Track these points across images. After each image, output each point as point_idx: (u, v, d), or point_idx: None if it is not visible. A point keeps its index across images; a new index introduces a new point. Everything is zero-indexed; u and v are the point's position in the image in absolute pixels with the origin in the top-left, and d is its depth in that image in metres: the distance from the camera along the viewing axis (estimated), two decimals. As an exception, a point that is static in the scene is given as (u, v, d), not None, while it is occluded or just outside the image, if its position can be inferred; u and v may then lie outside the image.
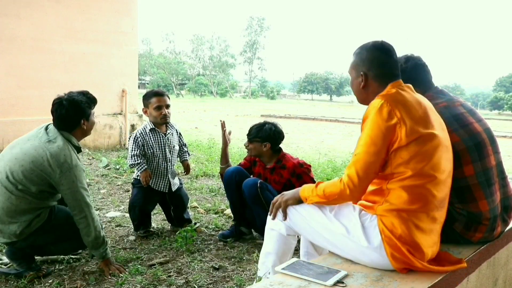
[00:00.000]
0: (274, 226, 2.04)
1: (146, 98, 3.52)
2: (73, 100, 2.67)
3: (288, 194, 2.00)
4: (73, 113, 2.65)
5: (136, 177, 3.54)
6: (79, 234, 2.64)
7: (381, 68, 1.85)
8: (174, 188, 3.61)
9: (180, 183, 3.74)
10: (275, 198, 2.03)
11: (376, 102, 1.75)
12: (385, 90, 1.81)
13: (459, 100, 2.19)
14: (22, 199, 2.52)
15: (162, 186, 3.56)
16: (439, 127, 1.82)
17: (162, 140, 3.55)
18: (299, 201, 1.95)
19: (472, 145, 2.00)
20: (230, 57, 62.90)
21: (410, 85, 1.88)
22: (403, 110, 1.72)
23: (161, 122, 3.50)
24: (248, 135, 3.32)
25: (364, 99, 1.91)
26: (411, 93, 1.83)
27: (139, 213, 3.48)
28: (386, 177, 1.75)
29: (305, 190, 1.93)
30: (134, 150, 3.47)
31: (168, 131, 3.59)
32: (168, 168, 3.58)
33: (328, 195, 1.82)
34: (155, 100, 3.46)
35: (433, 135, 1.75)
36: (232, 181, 3.32)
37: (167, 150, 3.57)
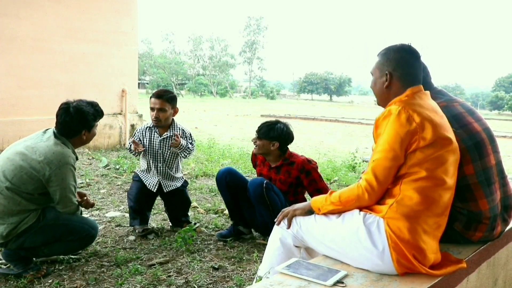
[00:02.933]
0: (280, 235, 2.05)
1: (150, 96, 3.59)
2: (80, 110, 2.68)
3: (298, 205, 2.04)
4: (76, 122, 2.67)
5: (135, 171, 3.65)
6: (69, 236, 2.67)
7: (406, 69, 1.87)
8: (166, 189, 3.60)
9: (183, 186, 3.73)
10: (286, 209, 2.06)
11: (394, 108, 1.76)
12: (403, 95, 1.83)
13: (458, 100, 2.19)
14: (11, 199, 2.53)
15: (152, 184, 3.57)
16: (452, 134, 1.84)
17: (154, 141, 3.57)
18: (308, 211, 1.98)
19: (472, 144, 2.00)
20: (230, 57, 62.88)
21: (428, 92, 1.91)
22: (422, 115, 1.74)
23: (152, 123, 3.54)
24: (258, 131, 3.28)
25: (385, 99, 1.92)
26: (426, 100, 1.85)
27: (131, 205, 3.52)
28: (399, 177, 1.76)
29: (317, 201, 1.96)
30: (131, 139, 3.61)
31: (166, 133, 3.57)
32: (159, 169, 3.58)
33: (345, 201, 1.83)
34: (151, 101, 3.51)
35: (449, 141, 1.78)
36: (223, 181, 3.32)
37: (159, 151, 3.56)
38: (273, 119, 3.46)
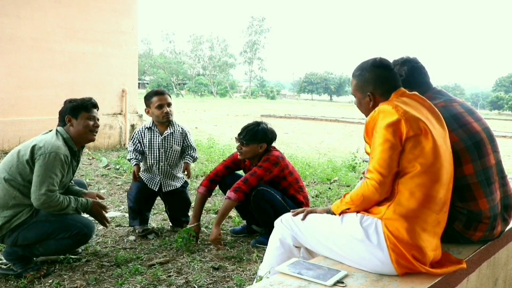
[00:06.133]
0: (280, 235, 2.06)
1: (147, 98, 3.57)
2: (71, 99, 2.84)
3: (317, 208, 2.07)
4: (62, 108, 2.82)
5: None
6: (61, 233, 2.67)
7: (385, 85, 1.91)
8: (166, 189, 3.61)
9: (183, 186, 3.73)
10: (310, 209, 2.06)
11: (379, 108, 1.81)
12: (390, 99, 1.88)
13: (458, 100, 2.19)
14: (7, 192, 2.60)
15: (153, 184, 3.58)
16: (441, 131, 1.85)
17: (155, 140, 3.57)
18: (327, 211, 1.99)
19: (471, 144, 2.00)
20: (230, 57, 62.90)
21: (415, 92, 1.93)
22: (404, 107, 1.77)
23: (163, 120, 3.54)
24: (242, 137, 3.20)
25: None
26: (410, 99, 1.87)
27: (131, 205, 3.54)
28: (396, 176, 1.76)
29: (335, 203, 1.96)
30: (131, 146, 3.65)
31: (167, 131, 3.58)
32: (160, 167, 3.59)
33: (355, 199, 1.82)
34: (156, 99, 3.51)
35: (434, 137, 1.77)
36: (227, 188, 3.29)
37: (161, 150, 3.57)
38: (254, 120, 3.39)
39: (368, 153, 1.88)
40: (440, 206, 1.76)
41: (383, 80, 1.91)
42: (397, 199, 1.73)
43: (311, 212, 2.02)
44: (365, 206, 1.82)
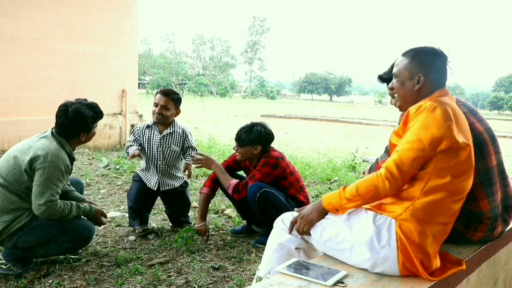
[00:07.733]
0: (280, 237, 2.02)
1: (156, 93, 3.64)
2: (79, 113, 2.71)
3: (308, 211, 1.88)
4: (75, 124, 2.71)
5: (135, 171, 3.66)
6: (62, 236, 2.66)
7: (438, 74, 1.86)
8: (164, 188, 3.61)
9: (182, 186, 3.73)
10: (295, 219, 1.93)
11: (427, 104, 1.74)
12: (434, 95, 1.82)
13: (460, 100, 2.18)
14: (5, 197, 2.57)
15: (152, 183, 3.58)
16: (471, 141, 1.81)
17: (153, 139, 3.58)
18: (323, 214, 1.86)
19: (474, 145, 1.99)
20: (231, 58, 62.91)
21: (454, 97, 1.91)
22: (454, 116, 1.73)
23: (153, 119, 3.56)
24: (237, 139, 3.24)
25: (412, 101, 1.86)
26: (453, 103, 1.84)
27: (130, 205, 3.54)
28: (421, 180, 1.71)
29: (330, 200, 1.83)
30: (131, 137, 3.67)
31: (166, 131, 3.58)
32: (158, 167, 3.59)
33: (364, 192, 1.72)
34: (156, 97, 3.57)
35: (471, 150, 1.76)
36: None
37: (159, 149, 3.57)
38: (249, 122, 3.37)
39: (391, 144, 1.83)
40: (453, 217, 1.76)
41: (438, 68, 1.85)
42: (417, 203, 1.69)
43: (309, 225, 1.88)
44: (373, 201, 1.75)
